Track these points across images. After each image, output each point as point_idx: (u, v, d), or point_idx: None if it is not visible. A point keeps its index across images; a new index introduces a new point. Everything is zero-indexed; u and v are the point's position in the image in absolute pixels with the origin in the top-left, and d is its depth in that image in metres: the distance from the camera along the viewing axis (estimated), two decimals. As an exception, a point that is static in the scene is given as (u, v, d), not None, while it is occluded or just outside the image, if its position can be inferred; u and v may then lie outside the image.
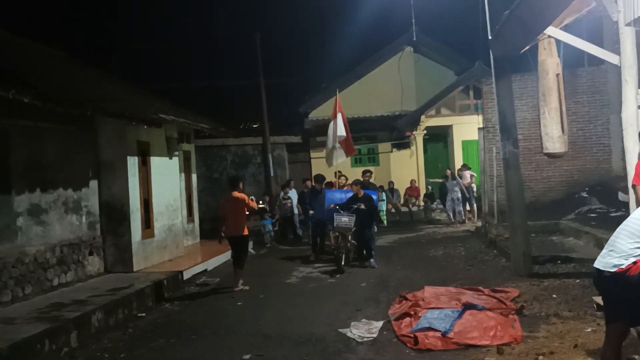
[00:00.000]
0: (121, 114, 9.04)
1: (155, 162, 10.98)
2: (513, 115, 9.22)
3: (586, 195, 14.30)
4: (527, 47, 8.62)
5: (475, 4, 10.44)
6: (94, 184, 9.75)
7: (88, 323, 6.88)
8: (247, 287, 9.15)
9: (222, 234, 9.36)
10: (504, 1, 8.34)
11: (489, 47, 9.39)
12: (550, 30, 7.50)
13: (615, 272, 3.96)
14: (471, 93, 19.92)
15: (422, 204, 19.04)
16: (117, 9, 29.45)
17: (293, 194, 15.34)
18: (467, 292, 7.31)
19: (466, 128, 19.28)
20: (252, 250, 13.50)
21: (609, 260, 4.02)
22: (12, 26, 11.09)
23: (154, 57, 25.64)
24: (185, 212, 13.28)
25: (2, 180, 7.65)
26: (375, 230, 13.39)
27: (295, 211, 15.08)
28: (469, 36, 16.26)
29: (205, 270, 10.80)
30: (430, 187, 19.59)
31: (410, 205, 18.89)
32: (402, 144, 20.63)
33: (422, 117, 20.00)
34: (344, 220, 10.29)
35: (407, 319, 6.38)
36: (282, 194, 15.75)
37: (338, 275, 9.84)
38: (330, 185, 13.43)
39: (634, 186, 5.64)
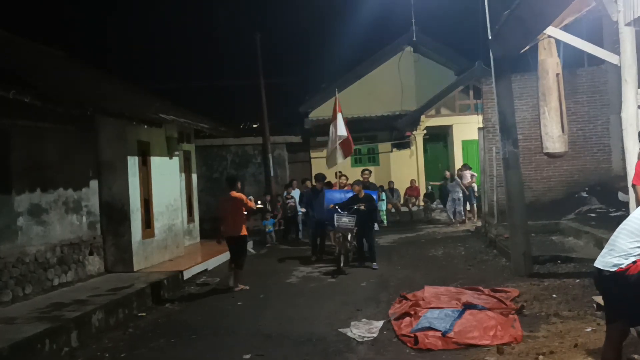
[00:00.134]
0: (121, 114, 9.04)
1: (156, 162, 10.99)
2: (513, 115, 9.22)
3: (586, 195, 14.30)
4: (527, 47, 8.62)
5: (475, 4, 10.45)
6: (94, 183, 9.75)
7: (88, 323, 6.88)
8: (247, 287, 9.15)
9: (221, 234, 9.34)
10: (504, 1, 8.35)
11: (489, 47, 9.39)
12: (550, 30, 7.50)
13: (615, 272, 3.97)
14: (471, 93, 19.92)
15: (422, 203, 19.05)
16: (117, 9, 29.46)
17: (296, 193, 15.35)
18: (467, 291, 7.31)
19: (466, 128, 19.28)
20: (252, 250, 13.53)
21: (609, 259, 4.02)
22: (12, 26, 11.10)
23: (154, 57, 25.68)
24: (185, 212, 13.29)
25: (3, 180, 7.65)
26: (377, 230, 13.42)
27: (300, 211, 15.06)
28: (468, 36, 16.28)
29: (206, 270, 10.80)
30: (430, 187, 19.60)
31: (410, 205, 18.90)
32: (402, 143, 20.63)
33: (422, 117, 20.00)
34: (344, 220, 10.24)
35: (407, 319, 6.38)
36: (285, 193, 15.76)
37: (338, 276, 9.81)
38: (329, 185, 13.42)
39: (633, 186, 5.65)
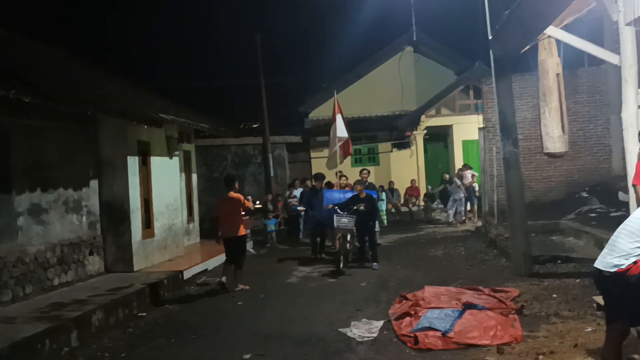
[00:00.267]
0: (122, 113, 9.04)
1: (156, 161, 10.99)
2: (513, 115, 9.22)
3: (586, 195, 14.30)
4: (527, 47, 8.61)
5: (475, 4, 10.47)
6: (94, 183, 9.75)
7: (88, 322, 6.88)
8: (247, 287, 9.15)
9: (219, 235, 9.28)
10: (504, 1, 8.35)
11: (489, 47, 9.39)
12: (551, 30, 7.49)
13: (615, 272, 3.96)
14: (471, 93, 19.92)
15: (422, 203, 19.05)
16: (118, 9, 29.45)
17: (299, 193, 15.35)
18: (467, 291, 7.31)
19: (466, 128, 19.28)
20: (252, 250, 13.53)
21: (609, 260, 4.02)
22: (12, 26, 11.09)
23: (154, 56, 25.66)
24: (185, 212, 13.29)
25: (3, 180, 7.65)
26: (378, 230, 13.40)
27: (296, 207, 15.06)
28: (469, 36, 16.30)
29: (206, 270, 10.80)
30: (430, 187, 19.59)
31: (411, 205, 18.91)
32: (402, 143, 20.63)
33: (422, 117, 20.00)
34: (344, 221, 10.19)
35: (408, 319, 6.38)
36: (287, 193, 15.76)
37: (338, 277, 9.77)
38: (330, 185, 13.42)
39: (634, 186, 5.64)
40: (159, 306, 8.36)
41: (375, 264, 10.41)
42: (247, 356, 5.82)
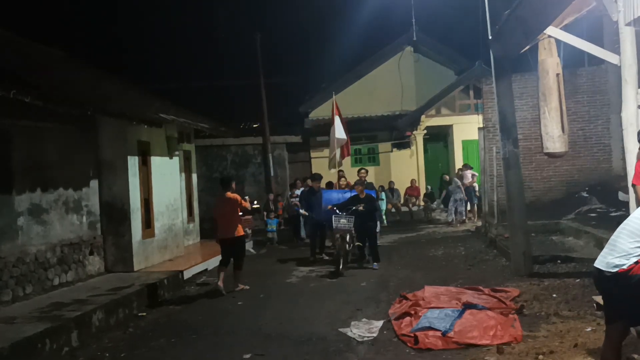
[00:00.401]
0: (122, 114, 9.05)
1: (156, 161, 10.99)
2: (513, 114, 9.23)
3: (586, 195, 14.30)
4: (527, 47, 8.62)
5: (475, 4, 10.46)
6: (94, 183, 9.76)
7: (89, 322, 6.89)
8: (247, 287, 9.15)
9: (217, 237, 9.19)
10: (504, 1, 8.35)
11: (489, 47, 9.40)
12: (551, 30, 7.50)
13: (616, 272, 3.96)
14: (471, 93, 19.93)
15: (422, 203, 19.06)
16: (117, 9, 29.46)
17: (301, 192, 15.34)
18: (467, 291, 7.31)
19: (466, 128, 19.28)
20: (252, 250, 13.54)
21: (610, 260, 4.02)
22: (12, 26, 11.09)
23: (154, 57, 25.64)
24: (185, 212, 13.30)
25: (3, 180, 7.66)
26: (379, 230, 13.38)
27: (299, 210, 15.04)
28: (469, 36, 16.27)
29: (206, 269, 10.80)
30: (430, 187, 19.60)
31: (411, 205, 18.91)
32: (402, 143, 20.64)
33: (422, 116, 20.00)
34: (342, 221, 10.13)
35: (408, 319, 6.39)
36: (289, 193, 15.75)
37: (337, 278, 9.69)
38: (331, 185, 13.40)
39: (634, 185, 5.65)
40: (159, 306, 8.36)
41: (375, 264, 10.39)
42: (247, 356, 5.83)
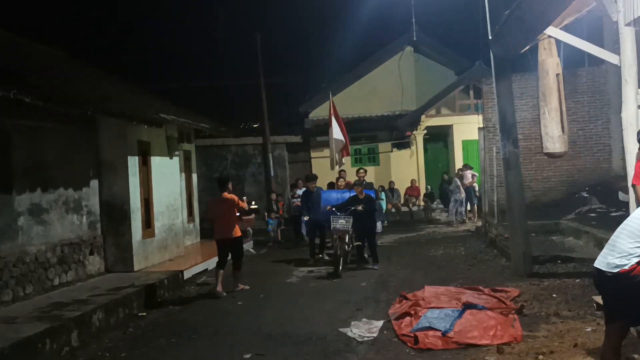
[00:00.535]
0: (122, 113, 9.05)
1: (156, 161, 10.99)
2: (513, 115, 9.23)
3: (586, 195, 14.31)
4: (527, 47, 8.62)
5: (475, 4, 10.46)
6: (94, 183, 9.76)
7: (89, 322, 6.89)
8: (247, 287, 9.15)
9: (214, 238, 9.14)
10: (504, 1, 8.35)
11: (489, 47, 9.40)
12: (551, 30, 7.50)
13: (618, 273, 3.96)
14: (471, 93, 19.93)
15: (422, 203, 19.06)
16: (118, 9, 29.45)
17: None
18: (467, 291, 7.31)
19: (466, 128, 19.28)
20: (252, 250, 13.54)
21: (610, 260, 4.01)
22: (13, 26, 11.10)
23: (154, 57, 25.65)
24: (185, 212, 13.30)
25: (4, 180, 7.66)
26: (380, 231, 13.37)
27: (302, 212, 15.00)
28: (469, 36, 16.27)
29: (206, 269, 10.79)
30: (430, 187, 19.61)
31: (411, 205, 18.92)
32: (403, 143, 20.64)
33: (423, 116, 20.00)
34: (341, 222, 10.08)
35: (408, 319, 6.39)
36: (291, 193, 15.74)
37: (335, 280, 9.62)
38: (332, 186, 13.36)
39: (633, 186, 5.65)
40: (159, 306, 8.36)
41: (375, 264, 10.38)
42: (248, 356, 5.83)
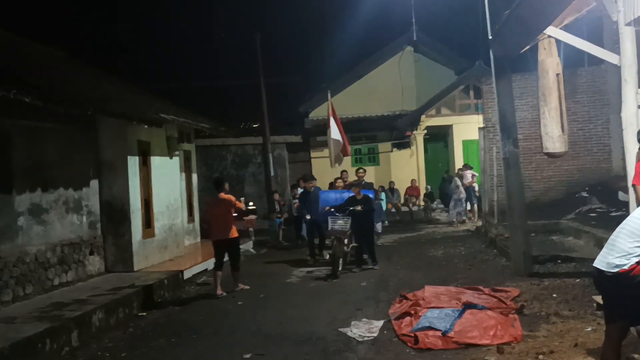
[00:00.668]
0: (122, 114, 9.05)
1: (156, 161, 10.99)
2: (513, 114, 9.23)
3: (586, 195, 14.30)
4: (527, 47, 8.62)
5: (475, 3, 10.47)
6: (94, 183, 9.76)
7: (89, 322, 6.89)
8: (247, 287, 9.14)
9: (211, 239, 9.10)
10: (504, 1, 8.35)
11: (489, 47, 9.39)
12: (550, 30, 7.50)
13: (617, 273, 3.95)
14: (471, 93, 19.92)
15: (422, 203, 19.06)
16: (118, 9, 29.46)
17: None
18: (467, 291, 7.32)
19: (466, 128, 19.28)
20: (252, 250, 13.55)
21: (610, 260, 4.01)
22: (13, 26, 11.10)
23: (154, 57, 25.66)
24: (185, 212, 13.30)
25: (4, 180, 7.66)
26: (380, 231, 13.35)
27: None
28: (469, 36, 16.31)
29: (206, 269, 10.79)
30: (430, 187, 19.61)
31: (411, 205, 18.92)
32: (403, 143, 20.64)
33: (423, 116, 20.00)
34: (339, 223, 10.01)
35: (408, 319, 6.39)
36: (292, 193, 15.73)
37: (333, 280, 9.56)
38: (333, 186, 13.32)
39: (633, 186, 5.65)
40: (159, 306, 8.36)
41: (375, 263, 10.35)
42: (248, 356, 5.83)
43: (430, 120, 20.20)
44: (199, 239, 14.17)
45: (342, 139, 13.17)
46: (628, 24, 5.74)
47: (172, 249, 11.43)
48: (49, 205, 8.52)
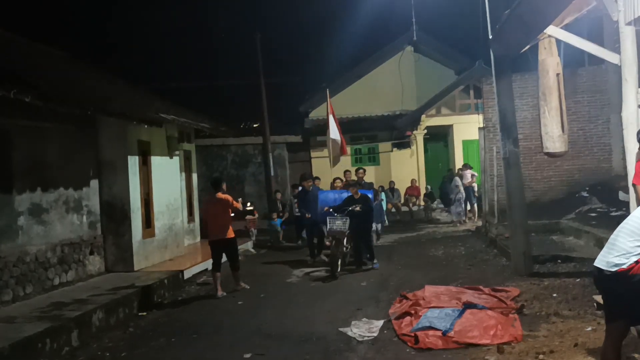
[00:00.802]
0: (122, 113, 9.05)
1: (156, 161, 10.99)
2: (513, 114, 9.22)
3: (586, 195, 14.30)
4: (528, 47, 8.62)
5: (475, 3, 10.45)
6: (94, 183, 9.76)
7: (89, 322, 6.89)
8: (247, 287, 9.14)
9: (208, 239, 9.08)
10: (505, 0, 8.35)
11: (489, 47, 9.39)
12: (551, 30, 7.50)
13: (616, 272, 3.96)
14: (471, 92, 19.93)
15: (422, 203, 19.06)
16: (118, 9, 29.44)
17: None
18: (467, 291, 7.32)
19: (466, 127, 19.28)
20: (252, 250, 13.56)
21: (610, 259, 4.02)
22: (13, 26, 11.09)
23: (155, 57, 25.66)
24: (185, 212, 13.29)
25: (4, 180, 7.66)
26: (380, 232, 13.33)
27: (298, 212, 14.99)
28: (469, 35, 16.30)
29: (206, 269, 10.78)
30: (430, 187, 19.61)
31: (411, 205, 18.92)
32: (403, 143, 20.65)
33: (423, 116, 20.01)
34: (338, 223, 9.94)
35: (408, 318, 6.39)
36: (293, 193, 15.72)
37: (332, 282, 9.50)
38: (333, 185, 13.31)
39: (634, 185, 5.65)
40: (159, 306, 8.37)
41: (376, 263, 10.31)
42: (248, 356, 5.83)
43: (430, 120, 20.20)
44: (199, 239, 14.16)
45: (340, 138, 13.18)
46: (628, 24, 5.74)
47: (172, 249, 11.43)
48: (49, 205, 8.52)
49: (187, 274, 10.08)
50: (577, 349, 5.11)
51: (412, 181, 19.41)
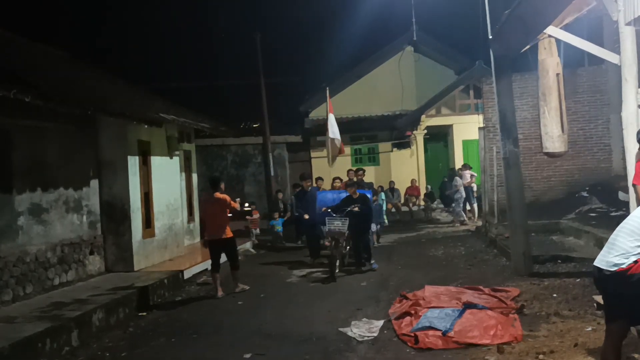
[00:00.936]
0: (122, 113, 9.05)
1: (156, 161, 10.99)
2: (513, 114, 9.23)
3: (586, 195, 14.30)
4: (528, 47, 8.63)
5: (475, 3, 10.45)
6: (94, 183, 9.76)
7: (89, 322, 6.89)
8: (247, 287, 9.14)
9: (205, 239, 9.08)
10: (504, 0, 8.36)
11: (489, 47, 9.39)
12: (551, 30, 7.50)
13: (615, 271, 3.96)
14: (471, 92, 19.93)
15: (422, 203, 19.07)
16: (118, 9, 29.45)
17: None
18: (467, 291, 7.32)
19: (466, 127, 19.29)
20: (252, 250, 13.55)
21: (609, 259, 4.02)
22: (13, 26, 11.10)
23: (155, 57, 25.66)
24: (185, 212, 13.29)
25: (4, 180, 7.66)
26: (379, 231, 13.30)
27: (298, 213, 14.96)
28: (469, 35, 16.30)
29: (206, 269, 10.76)
30: (430, 187, 19.61)
31: (411, 205, 18.92)
32: (403, 143, 20.65)
33: (423, 116, 20.01)
34: (337, 224, 9.87)
35: (408, 318, 6.39)
36: (294, 193, 15.70)
37: (331, 282, 9.44)
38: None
39: (634, 185, 5.65)
40: (159, 306, 8.36)
41: (374, 263, 10.28)
42: (248, 356, 5.83)
43: (430, 120, 20.20)
44: (199, 239, 14.17)
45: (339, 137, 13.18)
46: (628, 24, 5.74)
47: (172, 249, 11.43)
48: (49, 204, 8.52)
49: (187, 274, 10.08)
50: (577, 349, 5.11)
51: (412, 181, 19.40)
